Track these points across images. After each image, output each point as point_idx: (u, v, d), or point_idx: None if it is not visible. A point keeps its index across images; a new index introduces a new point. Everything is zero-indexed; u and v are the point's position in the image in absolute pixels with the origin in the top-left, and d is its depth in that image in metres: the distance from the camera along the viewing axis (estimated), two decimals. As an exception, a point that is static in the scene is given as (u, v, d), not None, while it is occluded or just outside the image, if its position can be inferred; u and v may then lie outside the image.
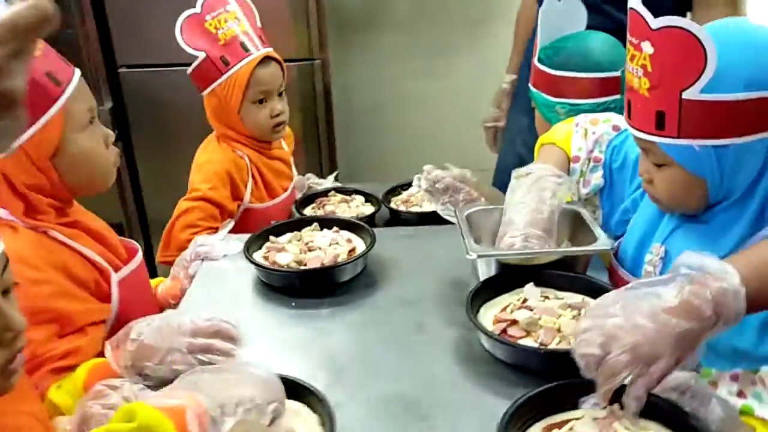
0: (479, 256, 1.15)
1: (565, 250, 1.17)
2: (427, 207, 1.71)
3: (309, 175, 2.03)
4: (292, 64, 2.59)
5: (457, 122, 2.52)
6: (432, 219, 1.52)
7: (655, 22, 0.94)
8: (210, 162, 1.64)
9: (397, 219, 1.77)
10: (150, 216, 2.80)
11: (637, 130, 1.03)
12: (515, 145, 1.97)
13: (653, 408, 0.84)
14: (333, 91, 2.68)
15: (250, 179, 1.67)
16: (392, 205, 1.85)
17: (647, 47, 0.96)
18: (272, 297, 1.26)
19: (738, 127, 0.96)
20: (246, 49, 1.58)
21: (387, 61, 2.71)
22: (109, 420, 0.75)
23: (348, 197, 1.90)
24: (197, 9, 1.56)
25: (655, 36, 0.95)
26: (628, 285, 0.88)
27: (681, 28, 0.93)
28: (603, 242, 1.16)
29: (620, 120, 1.26)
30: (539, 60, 1.42)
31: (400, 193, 1.93)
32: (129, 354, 0.97)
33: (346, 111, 2.88)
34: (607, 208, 1.29)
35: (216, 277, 1.35)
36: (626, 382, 0.83)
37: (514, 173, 1.22)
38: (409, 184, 1.94)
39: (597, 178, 1.26)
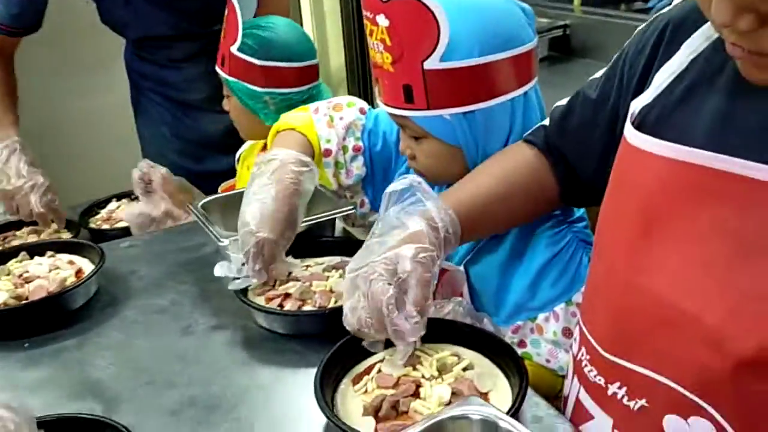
0: (232, 240, 1.10)
1: (314, 218, 1.18)
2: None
3: None
4: None
5: (124, 140, 2.34)
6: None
7: None
8: None
9: (104, 240, 1.61)
10: None
11: (389, 106, 1.01)
12: (168, 156, 1.82)
13: (447, 331, 0.91)
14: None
15: None
16: (93, 225, 1.68)
17: (382, 20, 0.94)
18: (-7, 346, 1.05)
19: (480, 92, 0.98)
20: None
21: (36, 79, 2.42)
22: None
23: (37, 227, 1.67)
24: None
25: (387, 8, 0.93)
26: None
27: None
28: (344, 204, 1.20)
29: (361, 102, 1.23)
30: (241, 50, 1.40)
31: (97, 213, 1.75)
32: None
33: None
34: (371, 195, 1.24)
35: None
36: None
37: (257, 159, 1.11)
38: (106, 201, 1.78)
39: (359, 168, 1.19)
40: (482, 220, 0.95)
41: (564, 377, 1.08)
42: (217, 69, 1.46)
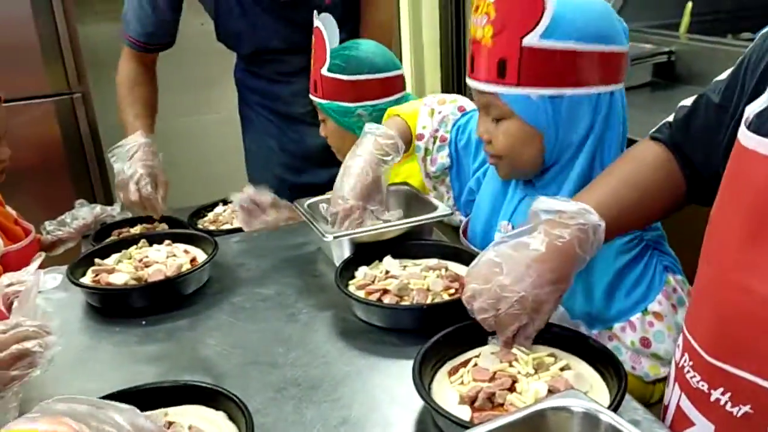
0: (335, 237, 1.16)
1: (411, 221, 1.22)
2: (239, 223, 1.66)
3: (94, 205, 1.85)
4: (49, 99, 2.41)
5: (230, 154, 2.48)
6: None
7: None
8: None
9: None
10: None
11: (480, 81, 1.04)
12: (272, 169, 1.93)
13: (544, 333, 0.91)
14: (100, 127, 2.51)
15: None
16: (200, 226, 1.78)
17: None
18: (114, 323, 1.13)
19: (570, 77, 1.00)
20: None
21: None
22: None
23: (150, 225, 1.79)
24: None
25: None
26: (496, 240, 0.92)
27: None
28: (443, 209, 1.24)
29: (465, 102, 1.31)
30: (330, 70, 1.47)
31: (205, 215, 1.86)
32: None
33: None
34: (457, 189, 1.32)
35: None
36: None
37: (364, 130, 1.28)
38: (213, 205, 1.89)
39: (443, 157, 1.29)
40: (620, 220, 0.94)
41: (651, 384, 1.07)
42: (311, 96, 1.54)
